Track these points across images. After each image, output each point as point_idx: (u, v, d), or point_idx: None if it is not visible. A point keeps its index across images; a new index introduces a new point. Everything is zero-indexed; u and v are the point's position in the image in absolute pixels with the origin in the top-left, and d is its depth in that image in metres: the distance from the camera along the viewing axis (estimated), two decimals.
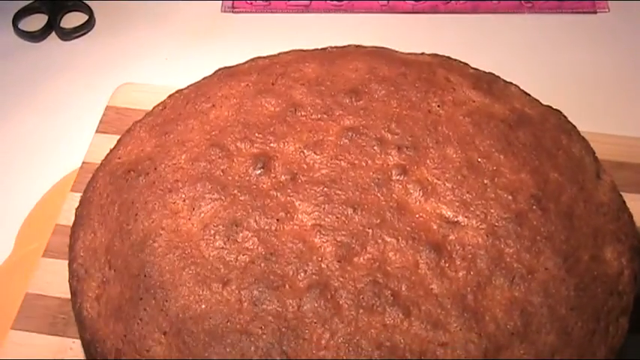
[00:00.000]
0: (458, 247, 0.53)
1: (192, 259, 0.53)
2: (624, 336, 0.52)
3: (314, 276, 0.52)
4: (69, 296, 0.56)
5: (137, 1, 0.87)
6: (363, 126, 0.59)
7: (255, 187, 0.56)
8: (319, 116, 0.59)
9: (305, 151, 0.57)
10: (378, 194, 0.55)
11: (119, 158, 0.60)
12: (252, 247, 0.53)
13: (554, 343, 0.50)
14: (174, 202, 0.56)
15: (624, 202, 0.58)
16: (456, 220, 0.54)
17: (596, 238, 0.54)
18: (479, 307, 0.51)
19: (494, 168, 0.56)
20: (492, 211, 0.54)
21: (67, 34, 0.84)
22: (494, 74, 0.64)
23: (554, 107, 0.62)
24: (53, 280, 0.60)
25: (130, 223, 0.55)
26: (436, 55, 0.65)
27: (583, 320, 0.51)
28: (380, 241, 0.53)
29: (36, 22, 0.85)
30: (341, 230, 0.53)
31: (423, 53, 0.66)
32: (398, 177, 0.56)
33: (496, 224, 0.54)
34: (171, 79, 0.75)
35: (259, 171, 0.56)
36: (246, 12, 0.86)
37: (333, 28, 0.84)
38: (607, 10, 0.85)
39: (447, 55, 0.65)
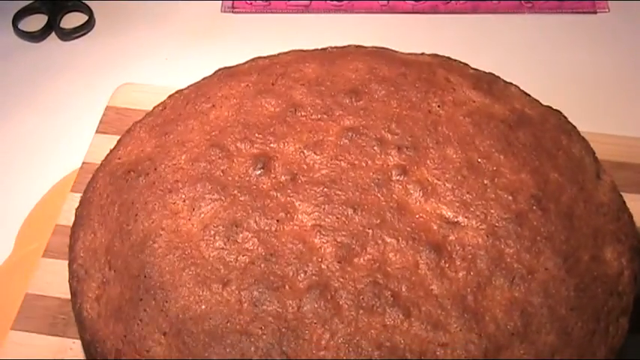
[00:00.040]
0: (458, 248, 0.53)
1: (192, 259, 0.53)
2: (624, 336, 0.52)
3: (314, 277, 0.52)
4: (69, 297, 0.56)
5: (137, 1, 0.87)
6: (363, 126, 0.59)
7: (255, 187, 0.56)
8: (319, 116, 0.59)
9: (305, 151, 0.57)
10: (378, 194, 0.55)
11: (119, 158, 0.60)
12: (252, 247, 0.53)
13: (554, 344, 0.50)
14: (174, 203, 0.56)
15: (624, 202, 0.58)
16: (456, 220, 0.54)
17: (596, 239, 0.54)
18: (479, 308, 0.51)
19: (495, 168, 0.56)
20: (492, 211, 0.54)
21: (67, 35, 0.84)
22: (494, 74, 0.64)
23: (554, 107, 0.62)
24: (53, 280, 0.60)
25: (130, 223, 0.55)
26: (436, 56, 0.65)
27: (583, 320, 0.51)
28: (380, 241, 0.53)
29: (36, 22, 0.85)
30: (341, 231, 0.53)
31: (423, 53, 0.66)
32: (398, 177, 0.56)
33: (496, 224, 0.54)
34: (171, 80, 0.75)
35: (259, 171, 0.56)
36: (246, 12, 0.86)
37: (333, 28, 0.84)
38: (607, 10, 0.85)
39: (447, 55, 0.65)
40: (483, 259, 0.52)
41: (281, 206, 0.55)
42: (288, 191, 0.55)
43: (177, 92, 0.64)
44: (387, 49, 0.66)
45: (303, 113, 0.60)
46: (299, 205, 0.55)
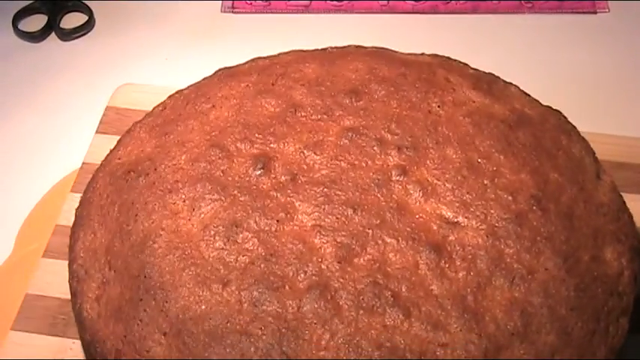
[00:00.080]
0: (458, 248, 0.53)
1: (192, 259, 0.53)
2: (624, 336, 0.52)
3: (314, 277, 0.52)
4: (69, 297, 0.56)
5: (137, 1, 0.87)
6: (363, 126, 0.59)
7: (255, 187, 0.56)
8: (319, 117, 0.59)
9: (305, 151, 0.57)
10: (378, 195, 0.55)
11: (119, 159, 0.60)
12: (252, 247, 0.53)
13: (554, 344, 0.50)
14: (174, 203, 0.56)
15: (624, 202, 0.58)
16: (456, 220, 0.54)
17: (596, 239, 0.54)
18: (479, 308, 0.51)
19: (494, 168, 0.56)
20: (492, 211, 0.54)
21: (67, 35, 0.84)
22: (494, 74, 0.64)
23: (554, 107, 0.62)
24: (53, 280, 0.60)
25: (130, 223, 0.55)
26: (436, 56, 0.65)
27: (583, 320, 0.51)
28: (380, 241, 0.53)
29: (36, 22, 0.85)
30: (341, 231, 0.53)
31: (423, 54, 0.66)
32: (398, 177, 0.56)
33: (496, 225, 0.54)
34: (172, 80, 0.75)
35: (259, 171, 0.56)
36: (246, 12, 0.86)
37: (333, 28, 0.84)
38: (607, 10, 0.85)
39: (447, 55, 0.65)
40: (483, 260, 0.52)
41: (281, 206, 0.55)
42: (288, 191, 0.55)
43: (177, 92, 0.64)
44: (387, 49, 0.66)
45: (303, 113, 0.60)
46: (299, 205, 0.55)
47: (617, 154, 0.66)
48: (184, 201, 0.56)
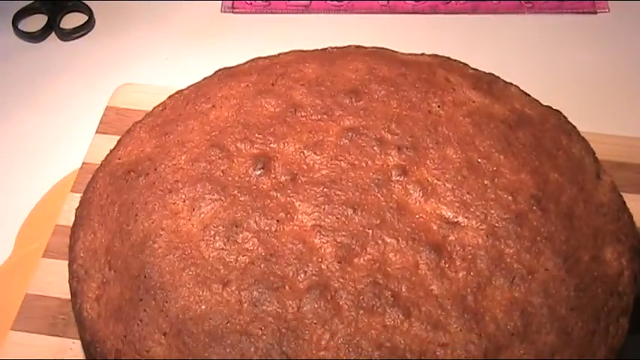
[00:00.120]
0: (458, 248, 0.53)
1: (192, 259, 0.53)
2: (624, 336, 0.52)
3: (314, 277, 0.52)
4: (69, 297, 0.56)
5: (137, 1, 0.87)
6: (363, 126, 0.59)
7: (255, 187, 0.56)
8: (319, 117, 0.59)
9: (305, 151, 0.57)
10: (378, 195, 0.55)
11: (119, 159, 0.60)
12: (252, 247, 0.53)
13: (554, 344, 0.50)
14: (174, 203, 0.56)
15: (624, 202, 0.58)
16: (456, 220, 0.54)
17: (596, 239, 0.54)
18: (479, 308, 0.51)
19: (494, 168, 0.56)
20: (492, 211, 0.54)
21: (67, 35, 0.84)
22: (494, 74, 0.64)
23: (554, 107, 0.62)
24: (53, 280, 0.60)
25: (130, 223, 0.55)
26: (436, 56, 0.65)
27: (583, 320, 0.51)
28: (380, 241, 0.53)
29: (36, 22, 0.85)
30: (341, 231, 0.53)
31: (423, 54, 0.66)
32: (398, 177, 0.56)
33: (496, 225, 0.54)
34: (172, 80, 0.75)
35: (259, 171, 0.56)
36: (246, 12, 0.86)
37: (333, 29, 0.84)
38: (607, 10, 0.85)
39: (447, 55, 0.65)
40: (483, 260, 0.52)
41: (281, 206, 0.55)
42: (288, 191, 0.55)
43: (177, 92, 0.64)
44: (387, 49, 0.66)
45: (303, 113, 0.60)
46: (299, 205, 0.55)
47: (617, 154, 0.66)
48: (184, 201, 0.56)
